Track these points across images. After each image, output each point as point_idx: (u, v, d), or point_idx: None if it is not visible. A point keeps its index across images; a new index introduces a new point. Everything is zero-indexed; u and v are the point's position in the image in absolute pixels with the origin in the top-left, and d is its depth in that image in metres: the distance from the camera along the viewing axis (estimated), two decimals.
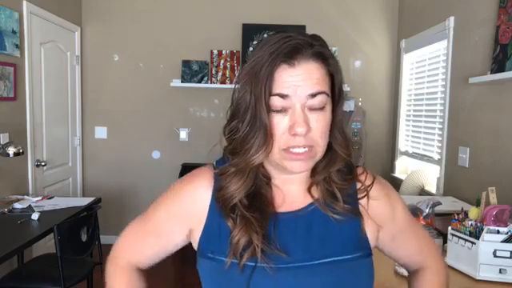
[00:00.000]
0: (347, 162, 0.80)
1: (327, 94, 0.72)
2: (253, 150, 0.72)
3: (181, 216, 0.81)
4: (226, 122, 0.78)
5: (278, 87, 0.69)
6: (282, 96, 0.70)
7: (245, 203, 0.75)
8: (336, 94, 0.75)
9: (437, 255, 0.94)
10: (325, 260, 0.75)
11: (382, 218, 0.83)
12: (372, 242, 0.81)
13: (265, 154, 0.72)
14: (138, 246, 0.87)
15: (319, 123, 0.72)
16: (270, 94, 0.69)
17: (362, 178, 0.82)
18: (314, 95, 0.70)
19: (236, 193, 0.75)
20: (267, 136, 0.71)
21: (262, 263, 0.72)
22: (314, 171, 0.79)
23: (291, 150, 0.71)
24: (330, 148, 0.76)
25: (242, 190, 0.75)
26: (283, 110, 0.71)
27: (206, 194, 0.79)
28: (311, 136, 0.71)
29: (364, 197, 0.80)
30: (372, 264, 0.80)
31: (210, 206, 0.78)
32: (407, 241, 0.90)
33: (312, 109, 0.71)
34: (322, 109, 0.72)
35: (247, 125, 0.72)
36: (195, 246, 0.80)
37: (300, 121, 0.70)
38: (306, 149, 0.71)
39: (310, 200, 0.79)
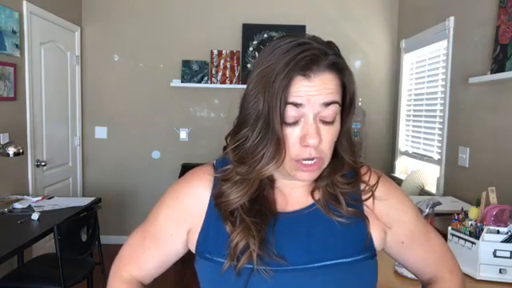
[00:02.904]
0: (352, 166, 0.79)
1: (339, 104, 0.72)
2: (263, 161, 0.71)
3: (180, 217, 0.80)
4: (232, 129, 0.77)
5: (291, 96, 0.68)
6: (296, 105, 0.69)
7: (246, 207, 0.74)
8: (347, 104, 0.74)
9: (453, 268, 0.88)
10: (326, 263, 0.73)
11: (390, 218, 0.81)
12: (378, 244, 0.79)
13: (275, 165, 0.71)
14: (140, 257, 0.85)
15: (329, 135, 0.71)
16: (285, 103, 0.68)
17: (366, 177, 0.81)
18: (327, 104, 0.69)
19: (238, 200, 0.74)
20: (280, 148, 0.70)
21: (259, 266, 0.71)
22: (318, 176, 0.78)
23: (302, 161, 0.71)
24: (335, 154, 0.76)
25: (244, 197, 0.74)
26: (295, 123, 0.70)
27: (205, 194, 0.79)
28: (320, 147, 0.71)
29: (369, 198, 0.79)
30: (376, 265, 0.78)
31: (209, 206, 0.78)
32: (418, 248, 0.85)
33: (323, 121, 0.70)
34: (332, 122, 0.71)
35: (258, 134, 0.71)
36: (193, 247, 0.80)
37: (312, 132, 0.69)
38: (316, 160, 0.71)
39: (311, 201, 0.79)
